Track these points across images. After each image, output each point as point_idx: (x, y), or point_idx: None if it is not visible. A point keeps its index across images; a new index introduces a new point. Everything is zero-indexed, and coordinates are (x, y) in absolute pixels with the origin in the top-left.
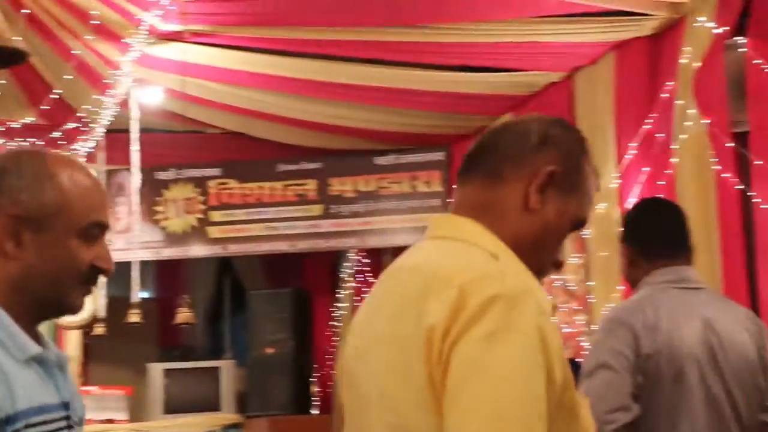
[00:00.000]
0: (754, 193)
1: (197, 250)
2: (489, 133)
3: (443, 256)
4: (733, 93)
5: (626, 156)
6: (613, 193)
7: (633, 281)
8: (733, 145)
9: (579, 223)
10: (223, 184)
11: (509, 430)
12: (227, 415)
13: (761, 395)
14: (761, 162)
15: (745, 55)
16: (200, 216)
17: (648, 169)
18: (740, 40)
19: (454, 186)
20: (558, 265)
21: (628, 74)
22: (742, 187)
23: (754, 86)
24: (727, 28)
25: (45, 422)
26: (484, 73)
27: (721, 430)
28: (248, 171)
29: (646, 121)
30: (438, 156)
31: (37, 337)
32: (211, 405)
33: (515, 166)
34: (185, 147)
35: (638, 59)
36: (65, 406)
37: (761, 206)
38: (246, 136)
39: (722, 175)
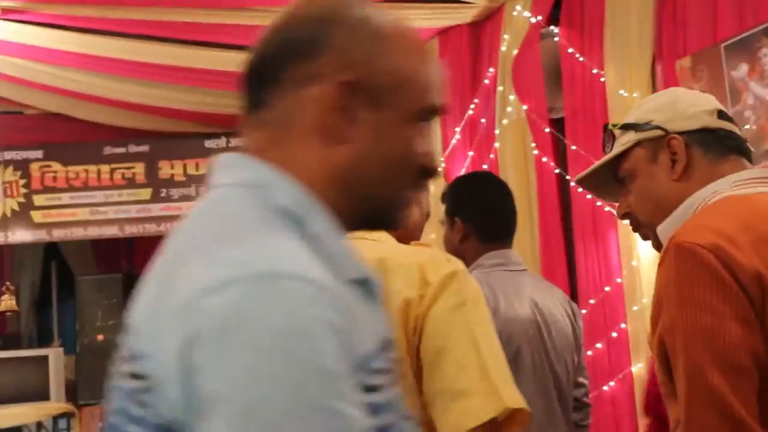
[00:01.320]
0: (570, 177)
1: (20, 236)
2: None
3: (378, 246)
4: (549, 80)
5: (452, 140)
6: (439, 176)
7: (459, 258)
8: (550, 130)
9: None
10: (46, 166)
11: (497, 377)
12: (57, 404)
13: (575, 372)
14: (576, 147)
15: (559, 44)
16: (22, 200)
17: (472, 153)
18: (555, 29)
19: None
20: None
21: (451, 60)
22: (559, 171)
23: (568, 74)
24: (541, 17)
25: (387, 369)
26: None
27: (546, 407)
28: (72, 153)
29: (469, 106)
30: None
31: None
32: (40, 394)
33: None
34: (1, 129)
35: (461, 46)
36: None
37: (578, 190)
38: (69, 117)
39: (541, 159)
